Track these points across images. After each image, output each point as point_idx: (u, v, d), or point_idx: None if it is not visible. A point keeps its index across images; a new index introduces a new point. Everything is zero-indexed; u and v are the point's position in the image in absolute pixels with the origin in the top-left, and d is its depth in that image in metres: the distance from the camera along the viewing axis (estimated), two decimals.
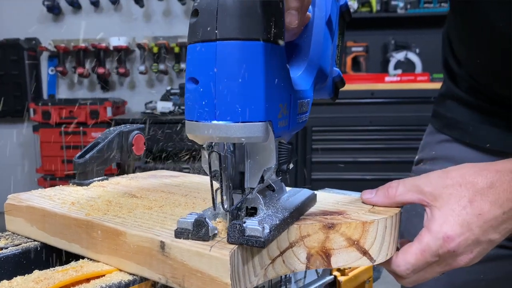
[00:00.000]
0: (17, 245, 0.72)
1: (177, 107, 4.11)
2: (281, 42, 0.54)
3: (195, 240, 0.56)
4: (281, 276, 0.76)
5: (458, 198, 0.63)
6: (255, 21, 0.50)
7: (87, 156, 0.86)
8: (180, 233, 0.57)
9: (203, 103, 0.51)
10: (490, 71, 0.85)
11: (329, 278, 0.90)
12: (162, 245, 0.57)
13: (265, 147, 0.56)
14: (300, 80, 0.65)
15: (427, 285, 0.84)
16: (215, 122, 0.51)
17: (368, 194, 0.70)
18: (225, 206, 0.58)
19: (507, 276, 0.89)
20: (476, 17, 0.81)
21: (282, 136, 0.60)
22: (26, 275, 0.61)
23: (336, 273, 0.91)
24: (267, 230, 0.54)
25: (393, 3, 4.36)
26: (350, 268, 0.93)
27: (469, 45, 0.88)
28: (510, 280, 0.89)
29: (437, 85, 3.72)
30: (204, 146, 0.58)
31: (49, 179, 4.26)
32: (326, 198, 0.75)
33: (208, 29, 0.50)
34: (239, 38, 0.50)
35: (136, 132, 0.94)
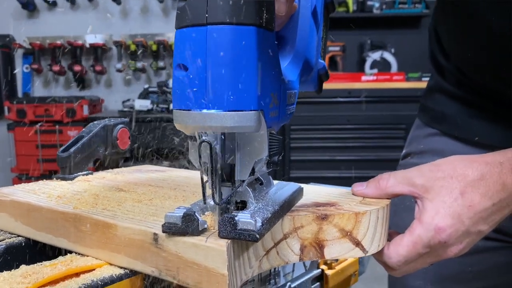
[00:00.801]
0: (0, 241, 0.70)
1: (155, 106, 4.07)
2: (272, 29, 0.52)
3: (184, 235, 0.54)
4: (270, 270, 0.76)
5: (450, 190, 0.63)
6: (247, 5, 0.47)
7: (71, 150, 0.84)
8: (168, 228, 0.54)
9: (193, 91, 0.49)
10: (481, 65, 0.85)
11: (316, 271, 0.89)
12: (156, 237, 0.55)
13: (257, 138, 0.54)
14: (287, 71, 0.64)
15: (416, 276, 0.85)
16: (205, 111, 0.49)
17: (359, 186, 0.70)
18: (215, 199, 0.56)
19: (493, 267, 0.90)
20: (467, 12, 0.81)
21: (272, 127, 0.59)
22: (13, 270, 0.59)
23: (323, 266, 0.91)
24: (259, 224, 0.52)
25: (369, 3, 4.44)
26: (337, 261, 0.93)
27: (459, 39, 0.88)
28: (497, 271, 0.90)
29: (412, 85, 3.83)
30: (193, 136, 0.56)
31: (24, 178, 4.18)
32: (317, 190, 0.74)
33: (198, 13, 0.48)
34: (231, 23, 0.47)
35: (120, 126, 0.92)
